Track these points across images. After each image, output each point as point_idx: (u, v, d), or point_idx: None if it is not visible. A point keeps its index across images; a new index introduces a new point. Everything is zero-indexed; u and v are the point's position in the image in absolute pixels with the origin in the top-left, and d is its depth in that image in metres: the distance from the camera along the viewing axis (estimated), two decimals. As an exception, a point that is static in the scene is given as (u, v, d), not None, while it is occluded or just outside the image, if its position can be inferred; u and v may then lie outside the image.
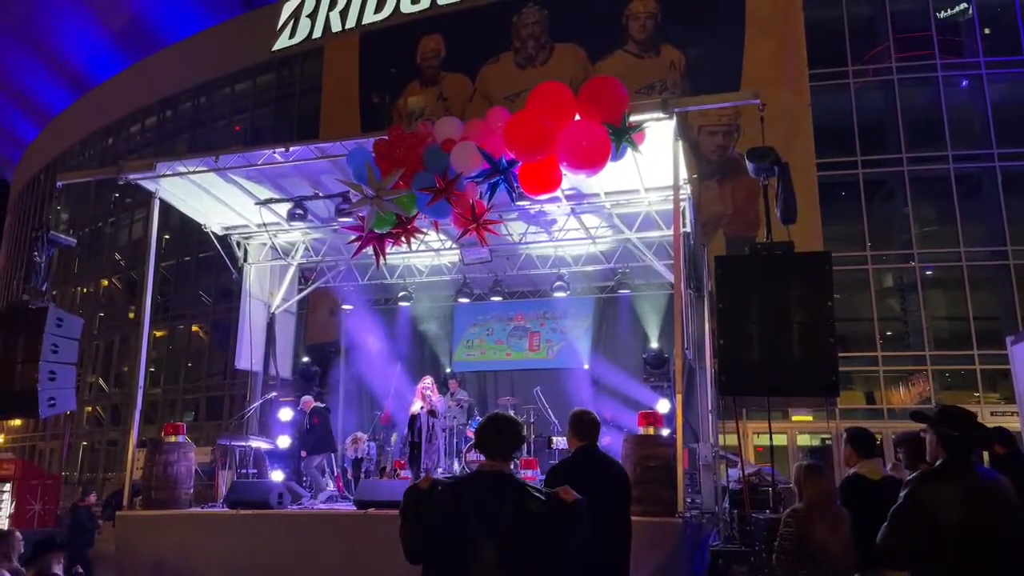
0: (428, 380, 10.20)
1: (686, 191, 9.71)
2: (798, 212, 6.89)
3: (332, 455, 11.16)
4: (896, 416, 18.11)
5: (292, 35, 25.89)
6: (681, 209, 8.87)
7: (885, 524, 3.35)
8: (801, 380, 6.17)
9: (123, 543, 8.84)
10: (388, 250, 8.40)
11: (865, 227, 19.45)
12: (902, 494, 3.39)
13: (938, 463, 3.45)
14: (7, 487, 14.98)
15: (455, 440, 11.40)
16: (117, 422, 29.13)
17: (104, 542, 11.55)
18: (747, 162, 6.99)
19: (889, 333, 19.51)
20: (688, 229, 10.06)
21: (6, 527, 13.63)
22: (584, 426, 4.25)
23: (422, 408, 9.77)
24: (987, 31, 19.92)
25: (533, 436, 11.73)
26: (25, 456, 29.28)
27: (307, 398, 11.39)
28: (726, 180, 18.46)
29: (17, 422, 33.81)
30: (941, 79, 19.56)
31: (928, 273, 19.32)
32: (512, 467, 3.37)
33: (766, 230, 6.75)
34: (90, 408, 30.46)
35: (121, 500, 9.56)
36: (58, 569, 4.77)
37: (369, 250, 8.16)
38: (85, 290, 33.37)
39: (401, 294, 13.40)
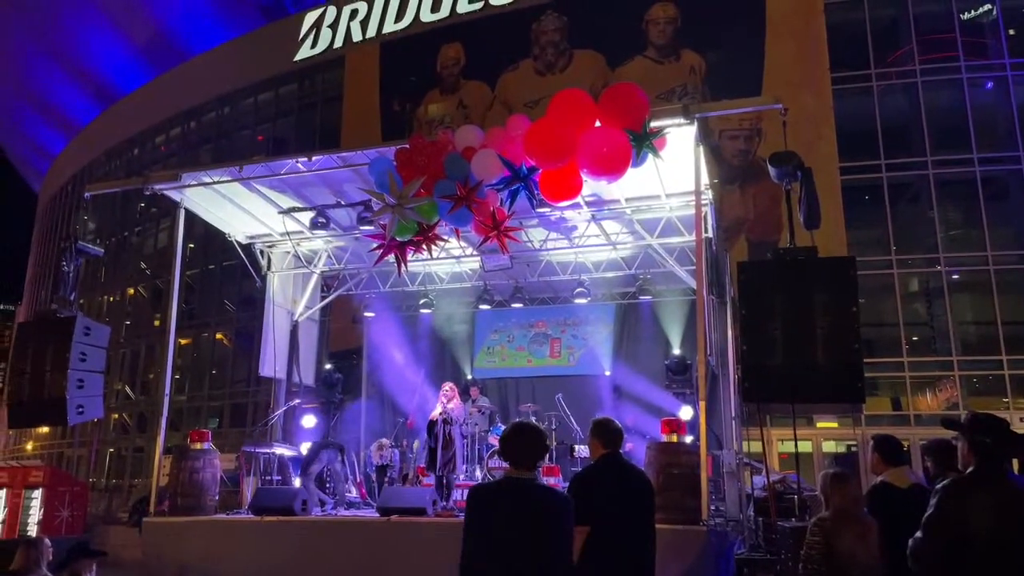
0: (447, 386, 10.21)
1: (708, 196, 9.67)
2: (821, 216, 6.85)
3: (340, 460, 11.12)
4: (923, 422, 17.82)
5: (314, 45, 26.13)
6: (703, 214, 8.83)
7: (918, 533, 3.30)
8: (826, 386, 6.10)
9: (150, 549, 8.94)
10: (409, 257, 8.45)
11: (890, 231, 19.20)
12: (933, 502, 3.34)
13: (969, 471, 3.39)
14: (36, 494, 15.19)
15: (477, 447, 11.41)
16: (143, 429, 29.44)
17: (131, 548, 11.67)
18: (769, 167, 6.95)
19: (915, 338, 19.24)
20: (710, 234, 10.01)
21: (35, 534, 13.85)
22: (608, 434, 4.23)
23: (441, 415, 9.79)
24: (1011, 32, 19.64)
25: (555, 443, 11.71)
26: (53, 463, 29.71)
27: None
28: (748, 185, 18.33)
29: (45, 429, 34.30)
30: (966, 81, 19.30)
31: (955, 277, 19.02)
32: (536, 474, 3.38)
33: (789, 235, 6.70)
34: (117, 415, 30.82)
35: (148, 506, 9.66)
36: (93, 574, 4.81)
37: (391, 258, 8.22)
38: (112, 299, 33.81)
39: (422, 301, 13.45)
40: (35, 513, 15.06)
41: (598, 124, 7.19)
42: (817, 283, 6.23)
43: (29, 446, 37.33)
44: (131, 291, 32.85)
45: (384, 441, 11.69)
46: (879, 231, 19.33)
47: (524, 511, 3.15)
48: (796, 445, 9.23)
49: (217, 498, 9.50)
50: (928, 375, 18.60)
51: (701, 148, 8.18)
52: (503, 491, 3.28)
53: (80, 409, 8.67)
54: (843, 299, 6.16)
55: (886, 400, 18.98)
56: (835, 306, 6.13)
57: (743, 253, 16.87)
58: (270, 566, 8.15)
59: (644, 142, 7.04)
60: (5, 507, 15.37)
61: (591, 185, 8.54)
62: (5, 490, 15.66)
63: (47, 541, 4.75)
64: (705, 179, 8.81)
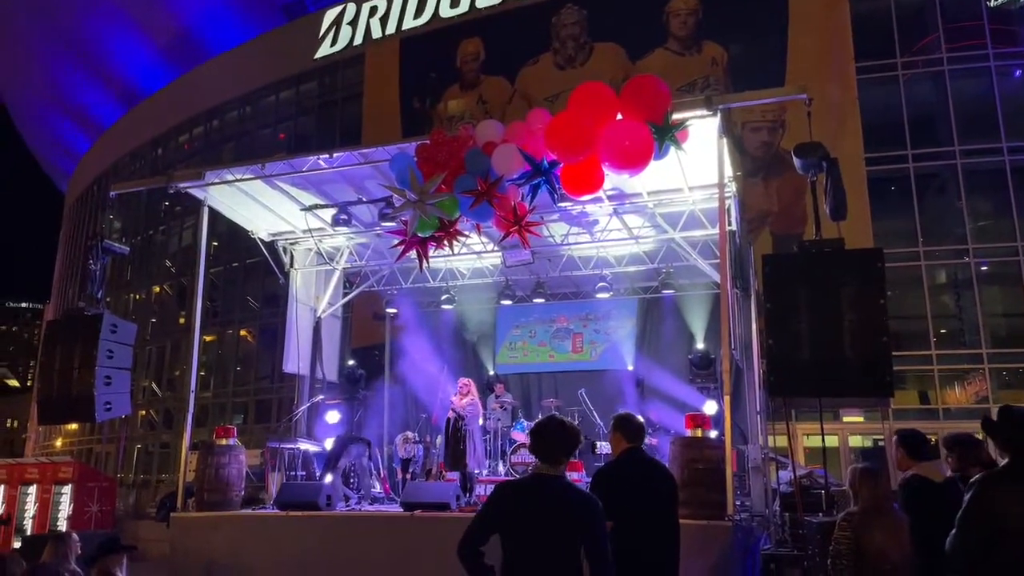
0: (462, 381, 10.22)
1: (731, 189, 9.58)
2: (848, 208, 6.74)
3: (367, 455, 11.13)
4: (952, 416, 17.57)
5: (334, 43, 26.23)
6: (726, 207, 8.75)
7: (955, 529, 3.24)
8: (854, 380, 6.01)
9: (177, 543, 9.04)
10: (431, 253, 8.44)
11: (917, 222, 18.91)
12: (967, 497, 3.28)
13: (1003, 464, 3.33)
14: (66, 489, 15.45)
15: (499, 442, 11.41)
16: (170, 425, 29.79)
17: (158, 543, 11.82)
18: (794, 158, 6.86)
19: (943, 331, 18.94)
20: (734, 227, 9.91)
21: (65, 528, 14.08)
22: (630, 429, 4.21)
23: (464, 410, 9.81)
24: (1041, 19, 19.27)
25: (582, 440, 11.67)
26: (82, 459, 30.18)
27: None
28: (771, 177, 18.13)
29: (73, 426, 34.85)
30: (994, 69, 18.93)
31: (983, 268, 18.70)
32: (563, 471, 3.37)
33: (815, 227, 6.61)
34: (143, 412, 31.20)
35: (175, 502, 9.76)
36: (119, 570, 4.85)
37: (412, 254, 8.21)
38: (138, 297, 34.22)
39: (444, 297, 13.47)
40: (65, 508, 15.32)
41: (619, 117, 7.13)
42: (844, 275, 6.14)
43: (59, 443, 37.92)
44: (157, 289, 33.22)
45: (409, 434, 11.73)
46: (906, 222, 19.04)
47: (554, 510, 3.13)
48: (823, 439, 9.14)
49: (243, 493, 9.59)
50: (957, 368, 18.32)
51: (724, 140, 8.09)
52: (531, 489, 3.26)
53: (108, 406, 8.78)
54: (871, 291, 6.07)
55: (913, 394, 18.72)
56: (863, 298, 6.04)
57: (767, 246, 16.68)
58: (296, 560, 8.21)
59: (666, 134, 6.97)
60: (36, 502, 15.67)
61: (613, 179, 8.48)
62: (35, 486, 15.96)
63: (75, 536, 4.80)
64: (729, 171, 8.73)
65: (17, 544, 13.75)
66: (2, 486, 16.17)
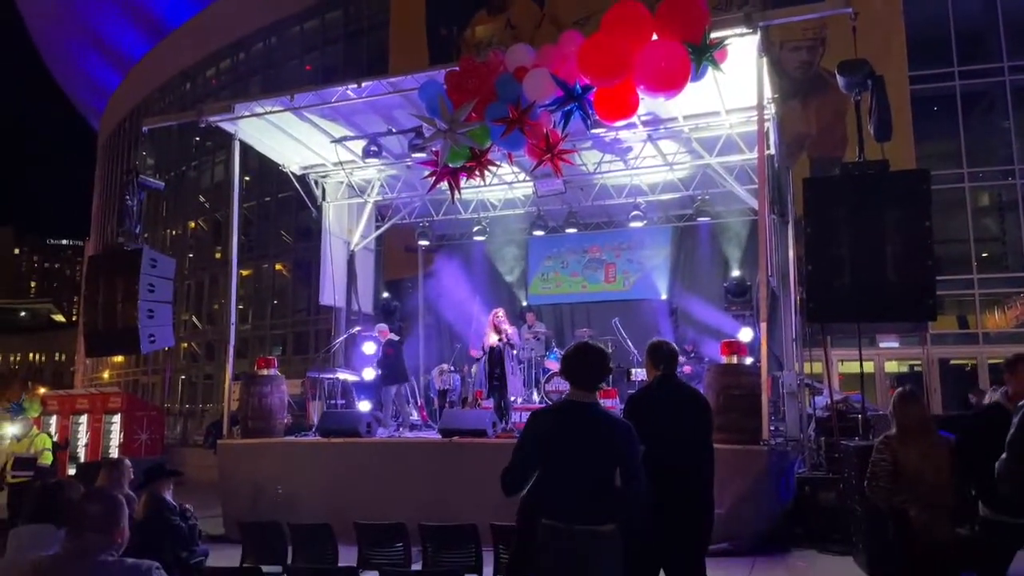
0: (500, 312, 10.24)
1: (770, 111, 9.30)
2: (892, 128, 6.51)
3: (405, 385, 11.32)
4: (991, 341, 17.33)
5: (357, -30, 25.64)
6: (765, 130, 8.51)
7: (1003, 455, 3.21)
8: (896, 305, 5.92)
9: (225, 469, 9.39)
10: (462, 184, 8.36)
11: (962, 143, 18.26)
12: (1015, 421, 3.23)
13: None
14: (116, 419, 16.02)
15: (534, 371, 11.52)
16: (212, 357, 30.59)
17: (206, 469, 12.28)
18: (838, 76, 6.60)
19: (985, 254, 18.51)
20: (772, 151, 9.66)
21: (116, 455, 14.66)
22: (662, 355, 4.19)
23: (499, 340, 9.84)
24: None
25: (612, 367, 11.73)
26: (129, 390, 31.20)
27: (382, 327, 11.47)
28: (810, 98, 17.52)
29: (120, 358, 35.96)
30: (1048, -22, 17.92)
31: (1029, 190, 18.11)
32: (596, 397, 3.37)
33: (858, 148, 6.41)
34: (186, 344, 32.04)
35: (221, 430, 10.08)
36: (167, 494, 5.03)
37: (443, 185, 8.13)
38: (174, 232, 34.73)
39: (476, 228, 13.43)
40: (115, 437, 15.91)
41: (655, 37, 6.88)
42: (888, 198, 5.97)
43: (106, 375, 39.21)
44: (192, 224, 33.65)
45: (444, 366, 11.89)
46: (950, 143, 18.39)
47: (587, 435, 3.15)
48: (861, 365, 9.08)
49: (286, 421, 9.87)
50: (998, 292, 17.95)
51: (764, 60, 7.81)
52: (565, 414, 3.28)
53: (152, 338, 9.01)
54: (916, 214, 5.91)
55: (952, 319, 18.42)
56: (907, 222, 5.89)
57: (805, 170, 16.25)
58: (338, 484, 8.47)
59: (704, 55, 6.72)
60: (88, 431, 16.28)
61: (648, 103, 8.25)
62: (86, 415, 16.56)
63: (127, 461, 4.96)
64: (768, 93, 8.45)
65: (72, 470, 14.38)
66: (55, 416, 16.82)
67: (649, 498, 3.29)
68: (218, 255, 31.38)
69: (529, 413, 4.23)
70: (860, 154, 6.41)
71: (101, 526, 2.36)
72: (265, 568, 4.17)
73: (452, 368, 11.99)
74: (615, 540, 3.09)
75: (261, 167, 22.13)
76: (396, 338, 11.31)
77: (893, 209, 5.93)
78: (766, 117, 8.69)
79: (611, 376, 11.54)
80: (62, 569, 2.34)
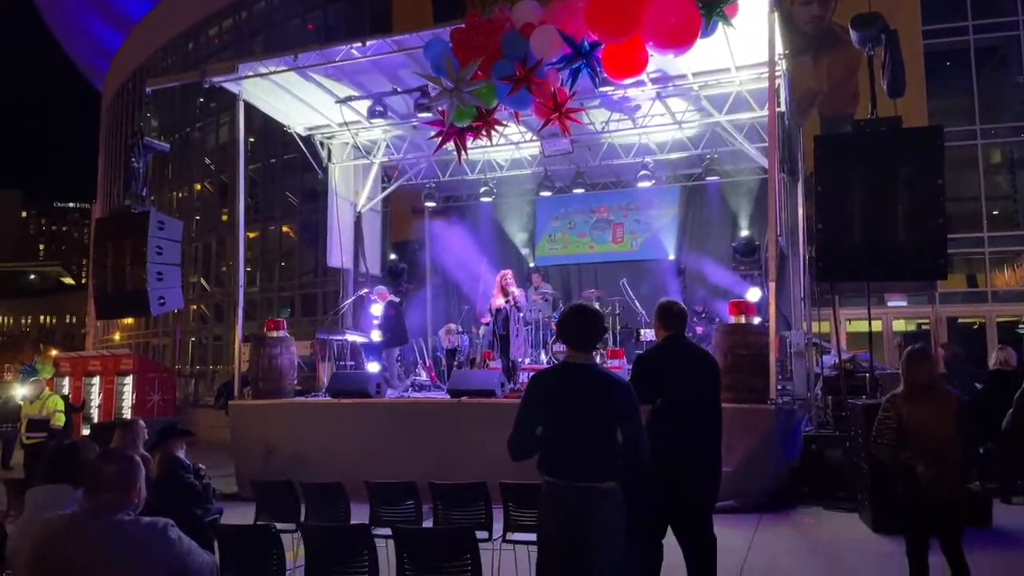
0: (509, 274, 10.23)
1: (781, 67, 9.15)
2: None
3: (406, 347, 11.30)
4: (1000, 299, 17.28)
5: (359, -76, 25.11)
6: (776, 87, 8.38)
7: (1011, 410, 3.22)
8: (906, 264, 5.88)
9: (236, 429, 9.51)
10: (469, 144, 8.29)
11: (975, 99, 17.98)
12: None
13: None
14: (128, 380, 16.20)
15: (541, 332, 11.55)
16: (220, 319, 30.78)
17: (218, 429, 12.45)
18: (851, 31, 6.48)
19: (995, 212, 18.35)
20: (783, 108, 9.53)
21: (130, 416, 14.86)
22: (671, 316, 4.18)
23: (506, 302, 9.85)
24: None
25: (619, 327, 11.77)
26: (140, 352, 31.49)
27: (380, 289, 11.43)
28: (821, 54, 17.21)
29: (130, 320, 36.21)
30: (1067, -72, 17.44)
31: (1043, 147, 17.87)
32: (595, 357, 3.38)
33: (871, 104, 6.31)
34: (195, 306, 32.22)
35: (232, 391, 10.17)
36: (181, 453, 5.10)
37: (449, 146, 8.07)
38: (180, 195, 34.70)
39: (482, 190, 13.36)
40: (128, 398, 16.11)
41: (665, -8, 6.74)
42: (900, 155, 5.90)
43: (117, 336, 39.53)
44: (198, 187, 33.60)
45: (452, 326, 11.93)
46: (962, 100, 18.10)
47: (585, 394, 3.19)
48: (870, 324, 9.08)
49: (295, 382, 9.95)
50: (1008, 251, 17.83)
51: (776, 15, 7.66)
52: (563, 375, 3.31)
53: (161, 300, 9.06)
54: (928, 172, 5.84)
55: (961, 277, 18.35)
56: (919, 180, 5.83)
57: (815, 128, 16.04)
58: (348, 444, 8.57)
59: (715, 10, 6.58)
60: (100, 393, 16.47)
61: (657, 60, 8.11)
62: (99, 377, 16.74)
63: (141, 422, 5.01)
64: (779, 48, 8.30)
65: (86, 431, 14.59)
66: (68, 378, 17.02)
67: (651, 455, 3.32)
68: (224, 217, 31.37)
69: (529, 377, 4.25)
70: (873, 111, 6.31)
71: (118, 486, 2.39)
72: (279, 525, 4.24)
73: (460, 329, 12.03)
74: (615, 495, 3.14)
75: (266, 128, 22.01)
76: (396, 299, 11.31)
77: (905, 166, 5.86)
78: (777, 73, 8.55)
79: (609, 337, 11.60)
80: (79, 528, 2.38)
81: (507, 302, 10.03)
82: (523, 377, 9.68)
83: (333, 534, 4.17)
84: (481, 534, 4.50)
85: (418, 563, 3.68)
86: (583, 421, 3.16)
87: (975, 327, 17.91)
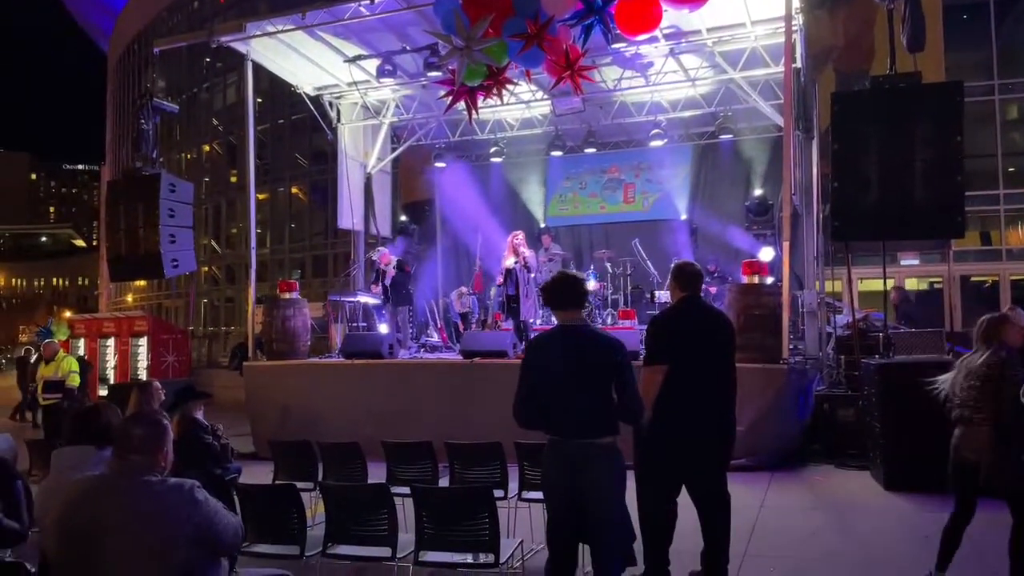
0: (520, 235, 10.18)
1: (797, 22, 8.97)
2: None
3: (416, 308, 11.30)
4: (1014, 257, 17.15)
5: None
6: (792, 42, 8.23)
7: None
8: (923, 222, 5.82)
9: (251, 390, 9.61)
10: (479, 103, 8.18)
11: (994, 53, 17.61)
12: None
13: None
14: (142, 342, 16.37)
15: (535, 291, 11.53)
16: (232, 280, 30.94)
17: (233, 390, 12.58)
18: (871, -17, 6.32)
19: (1012, 169, 18.11)
20: (798, 64, 9.37)
21: (145, 377, 15.04)
22: (686, 277, 4.17)
23: (516, 263, 9.82)
24: None
25: (630, 288, 11.76)
26: (153, 314, 31.77)
27: (381, 250, 11.32)
28: (837, 8, 16.74)
29: (142, 283, 36.45)
30: None
31: (1063, 102, 17.57)
32: (583, 316, 3.47)
33: (890, 60, 6.18)
34: (206, 268, 32.38)
35: (246, 352, 10.26)
36: (199, 414, 5.16)
37: (459, 106, 7.96)
38: (188, 156, 34.60)
39: (493, 149, 13.25)
40: (143, 359, 16.29)
41: (680, -55, 6.60)
42: (919, 112, 5.80)
43: (129, 298, 39.84)
44: (206, 148, 33.48)
45: (463, 289, 11.94)
46: (980, 54, 17.74)
47: (581, 354, 3.26)
48: (885, 283, 9.03)
49: (309, 343, 10.02)
50: (1024, 208, 17.66)
51: (792, -33, 7.49)
52: (558, 338, 3.37)
53: (175, 262, 9.09)
54: (947, 129, 5.75)
55: (975, 235, 18.19)
56: (938, 137, 5.73)
57: (830, 84, 15.78)
58: (362, 404, 8.67)
59: (730, -37, 6.44)
60: (115, 354, 16.66)
61: (671, 15, 7.97)
62: (113, 339, 16.92)
63: (157, 384, 5.05)
64: (796, 2, 8.14)
65: (103, 391, 14.79)
66: (83, 339, 17.21)
67: (641, 419, 3.40)
68: (233, 179, 31.32)
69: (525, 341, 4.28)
70: (892, 66, 6.19)
71: (147, 448, 2.43)
72: (298, 484, 4.31)
73: (471, 291, 12.05)
74: (612, 449, 3.22)
75: (272, 88, 21.80)
76: (397, 260, 11.29)
77: (924, 124, 5.76)
78: (794, 28, 8.39)
79: (630, 297, 11.59)
80: (108, 489, 2.42)
81: (517, 263, 10.01)
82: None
83: (354, 492, 4.23)
84: (496, 493, 4.56)
85: (437, 521, 3.74)
86: (580, 380, 3.22)
87: (986, 285, 17.81)
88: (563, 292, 3.40)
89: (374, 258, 11.19)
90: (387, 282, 10.68)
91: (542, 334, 3.63)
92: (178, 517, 2.38)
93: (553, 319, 10.79)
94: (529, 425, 3.33)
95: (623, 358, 3.27)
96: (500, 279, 9.98)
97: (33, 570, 2.96)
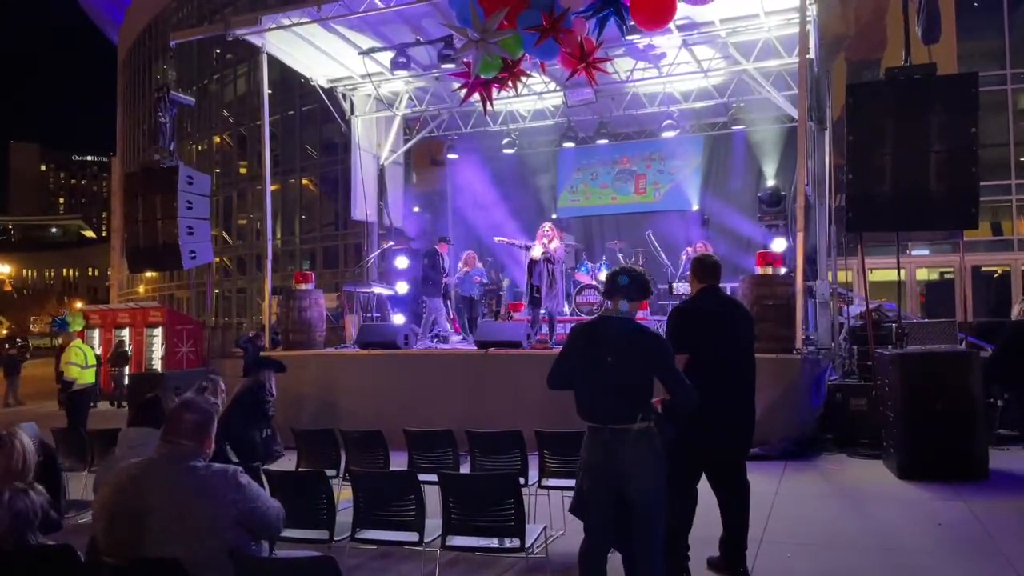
0: (547, 226, 10.22)
1: (811, 12, 8.97)
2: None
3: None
4: (1026, 247, 17.14)
5: None
6: (806, 32, 8.24)
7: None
8: (937, 213, 5.86)
9: (269, 380, 9.71)
10: (494, 96, 8.23)
11: (1006, 41, 17.53)
12: None
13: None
14: (157, 332, 16.49)
15: (563, 284, 11.57)
16: (243, 271, 31.12)
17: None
18: (886, -25, 6.34)
19: (1023, 159, 18.05)
20: (812, 55, 9.37)
21: (159, 368, 15.18)
22: (706, 268, 4.24)
23: (542, 254, 9.86)
24: None
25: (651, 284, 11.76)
26: (165, 304, 31.97)
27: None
28: (850, -2, 16.83)
29: (153, 274, 36.66)
30: None
31: (1076, 92, 17.47)
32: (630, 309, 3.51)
33: (904, 51, 6.21)
34: (218, 259, 32.58)
35: (253, 343, 10.35)
36: (272, 383, 5.41)
37: (474, 97, 8.01)
38: (200, 147, 34.74)
39: (505, 141, 13.30)
40: (157, 349, 16.41)
41: (695, -63, 6.60)
42: (934, 103, 5.83)
43: (141, 289, 40.09)
44: (217, 139, 33.60)
45: (470, 253, 11.69)
46: (992, 43, 17.67)
47: (623, 346, 3.32)
48: (899, 273, 9.05)
49: (324, 334, 10.13)
50: (1036, 198, 17.61)
51: (807, -42, 7.50)
52: (601, 327, 3.44)
53: (193, 254, 9.21)
54: (962, 120, 5.78)
55: (985, 225, 18.15)
56: (953, 128, 5.77)
57: (841, 75, 15.79)
58: (377, 394, 8.76)
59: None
60: (130, 344, 16.80)
61: (684, 7, 7.98)
62: (128, 329, 17.06)
63: (221, 383, 4.79)
64: (810, -7, 8.15)
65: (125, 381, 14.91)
66: (97, 330, 17.35)
67: (696, 400, 3.44)
68: (243, 170, 31.44)
69: (569, 327, 4.34)
70: (907, 57, 6.22)
71: (194, 435, 2.53)
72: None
73: (482, 280, 12.08)
74: (649, 432, 3.28)
75: (283, 80, 21.86)
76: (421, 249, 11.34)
77: (939, 115, 5.80)
78: (807, 18, 8.40)
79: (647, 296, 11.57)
80: (155, 472, 2.52)
81: (545, 254, 10.05)
82: (560, 329, 9.71)
83: (383, 479, 4.33)
84: (517, 480, 4.64)
85: (464, 506, 3.83)
86: (619, 370, 3.28)
87: (996, 275, 17.79)
88: (637, 283, 3.46)
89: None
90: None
91: (587, 322, 3.69)
92: (221, 501, 2.48)
93: (565, 309, 10.89)
94: (555, 387, 3.50)
95: (665, 351, 3.35)
96: (526, 264, 10.00)
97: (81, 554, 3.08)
